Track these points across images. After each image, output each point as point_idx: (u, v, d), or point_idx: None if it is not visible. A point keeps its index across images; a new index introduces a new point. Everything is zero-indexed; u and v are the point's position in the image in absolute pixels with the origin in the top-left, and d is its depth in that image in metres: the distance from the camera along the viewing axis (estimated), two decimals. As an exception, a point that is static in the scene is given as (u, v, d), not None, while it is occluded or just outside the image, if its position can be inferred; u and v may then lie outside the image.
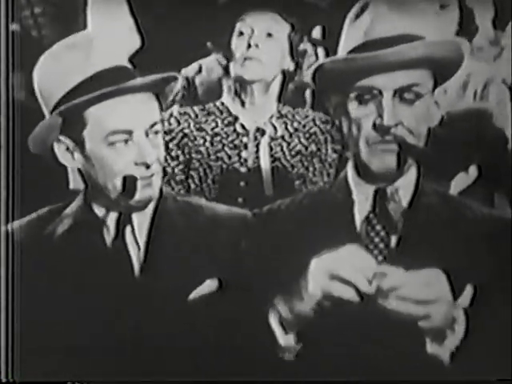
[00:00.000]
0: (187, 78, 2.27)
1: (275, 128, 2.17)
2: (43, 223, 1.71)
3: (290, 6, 2.14)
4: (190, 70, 2.33)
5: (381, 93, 1.58)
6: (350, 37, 1.65)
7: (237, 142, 2.16)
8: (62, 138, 1.66)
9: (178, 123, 2.17)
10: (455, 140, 1.95)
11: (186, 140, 2.16)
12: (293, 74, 2.21)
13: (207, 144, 2.16)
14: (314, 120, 2.19)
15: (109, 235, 1.68)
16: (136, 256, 1.67)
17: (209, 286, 1.64)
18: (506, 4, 2.29)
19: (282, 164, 2.14)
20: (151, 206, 1.69)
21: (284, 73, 2.20)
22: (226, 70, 2.19)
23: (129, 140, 1.62)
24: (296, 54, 2.18)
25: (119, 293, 1.63)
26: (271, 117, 2.19)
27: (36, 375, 1.66)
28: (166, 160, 2.05)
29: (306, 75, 2.18)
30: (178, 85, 1.71)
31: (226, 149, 2.15)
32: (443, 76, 1.66)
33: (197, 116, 2.18)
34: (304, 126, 2.18)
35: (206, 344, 1.59)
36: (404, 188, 1.64)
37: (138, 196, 1.64)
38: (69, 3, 2.17)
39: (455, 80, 2.22)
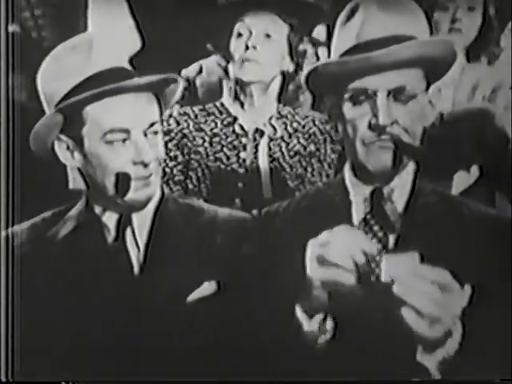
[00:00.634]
0: (188, 79, 2.28)
1: (275, 129, 2.17)
2: (46, 225, 1.72)
3: (289, 7, 2.14)
4: (190, 71, 2.34)
5: (375, 93, 1.59)
6: (342, 39, 1.65)
7: (236, 142, 2.16)
8: (62, 136, 1.67)
9: (178, 123, 2.17)
10: (457, 140, 1.95)
11: (185, 140, 2.16)
12: (293, 75, 2.21)
13: (206, 144, 2.16)
14: (313, 120, 2.19)
15: (110, 236, 1.68)
16: (136, 257, 1.68)
17: (207, 288, 1.64)
18: (505, 4, 2.29)
19: (280, 164, 2.14)
20: (152, 207, 1.70)
21: (283, 74, 2.20)
22: (226, 71, 2.19)
23: (127, 139, 1.63)
24: (295, 55, 2.18)
25: (119, 294, 1.64)
26: (271, 118, 2.19)
27: (36, 375, 1.66)
28: (164, 160, 2.05)
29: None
30: (180, 87, 1.72)
31: (225, 149, 2.15)
32: (436, 75, 1.66)
33: (196, 116, 2.19)
34: (303, 127, 2.18)
35: (206, 344, 1.59)
36: (401, 188, 1.64)
37: (136, 196, 1.65)
38: (69, 5, 2.17)
39: (464, 83, 2.24)
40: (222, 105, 2.21)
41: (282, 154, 2.15)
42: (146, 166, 1.63)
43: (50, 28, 2.20)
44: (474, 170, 1.96)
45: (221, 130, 2.17)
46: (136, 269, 1.68)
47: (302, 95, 2.29)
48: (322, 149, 2.18)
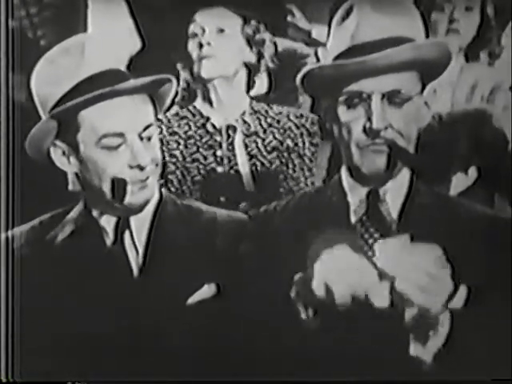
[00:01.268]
0: (187, 80, 2.28)
1: (248, 124, 2.17)
2: (45, 228, 1.72)
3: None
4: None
5: (369, 96, 1.59)
6: (337, 41, 1.65)
7: (211, 142, 2.16)
8: (57, 142, 1.67)
9: None
10: (454, 141, 1.95)
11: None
12: (256, 66, 2.21)
13: (181, 147, 2.16)
14: (287, 115, 2.19)
15: (108, 240, 1.69)
16: (135, 260, 1.68)
17: (206, 291, 1.64)
18: (505, 4, 2.29)
19: (260, 161, 2.15)
20: (151, 210, 1.70)
21: (247, 66, 2.20)
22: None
23: (122, 143, 1.63)
24: (254, 45, 2.18)
25: (118, 296, 1.64)
26: (243, 113, 2.19)
27: (36, 375, 1.67)
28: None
29: (269, 64, 2.20)
30: (174, 87, 1.72)
31: (201, 150, 2.16)
32: (431, 77, 1.66)
33: (169, 121, 2.18)
34: (278, 122, 2.18)
35: (205, 345, 1.60)
36: (398, 189, 1.65)
37: (133, 199, 1.65)
38: (65, 4, 2.17)
39: (463, 84, 2.23)
40: (195, 107, 2.21)
41: (259, 150, 2.15)
42: (142, 169, 1.63)
43: (45, 27, 2.19)
44: (472, 172, 1.96)
45: (195, 131, 2.17)
46: (135, 271, 1.68)
47: (301, 96, 2.29)
48: (299, 143, 2.17)
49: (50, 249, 1.70)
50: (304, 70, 1.64)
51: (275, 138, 2.17)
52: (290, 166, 2.17)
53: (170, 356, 1.61)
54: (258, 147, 2.16)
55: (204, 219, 1.73)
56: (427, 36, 1.69)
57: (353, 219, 1.65)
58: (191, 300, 1.64)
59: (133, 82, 1.64)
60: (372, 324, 1.49)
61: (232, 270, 1.66)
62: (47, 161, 1.69)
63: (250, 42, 2.18)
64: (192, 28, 2.16)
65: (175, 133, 2.18)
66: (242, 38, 2.18)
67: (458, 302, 1.49)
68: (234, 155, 2.15)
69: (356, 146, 1.61)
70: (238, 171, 2.15)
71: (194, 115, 2.20)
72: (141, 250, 1.68)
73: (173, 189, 2.13)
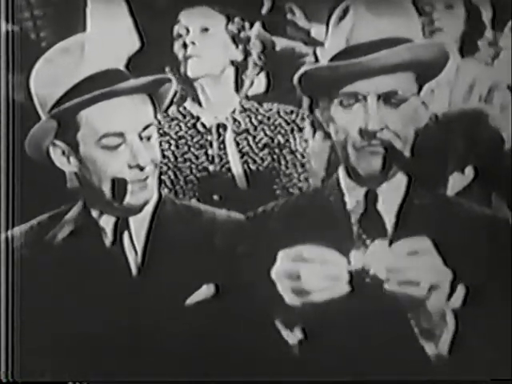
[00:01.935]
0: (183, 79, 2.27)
1: (238, 122, 2.17)
2: (44, 228, 1.72)
3: None
4: None
5: (365, 98, 1.59)
6: (333, 42, 1.66)
7: (202, 141, 2.16)
8: (56, 142, 1.67)
9: None
10: (451, 141, 1.96)
11: None
12: (243, 64, 2.21)
13: (172, 148, 2.16)
14: (278, 112, 2.19)
15: (107, 240, 1.69)
16: (133, 260, 1.68)
17: (205, 291, 1.65)
18: (504, 4, 2.29)
19: (251, 158, 2.15)
20: (150, 210, 1.70)
21: (234, 64, 2.20)
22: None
23: (122, 143, 1.63)
24: (239, 43, 2.19)
25: (117, 296, 1.64)
26: (233, 111, 2.19)
27: (36, 375, 1.67)
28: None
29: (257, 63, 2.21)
30: (173, 87, 1.72)
31: (193, 149, 2.16)
32: (427, 77, 1.66)
33: (159, 122, 2.19)
34: (268, 119, 2.18)
35: (204, 346, 1.60)
36: (395, 189, 1.65)
37: (133, 199, 1.65)
38: (68, 5, 2.17)
39: (460, 82, 2.24)
40: (185, 108, 2.22)
41: (251, 147, 2.16)
42: (141, 169, 1.64)
43: (49, 29, 2.19)
44: (469, 171, 1.96)
45: (186, 132, 2.18)
46: (134, 271, 1.68)
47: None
48: (290, 139, 2.18)
49: (49, 249, 1.70)
50: (300, 70, 1.65)
51: (266, 134, 2.18)
52: (283, 162, 2.17)
53: (169, 356, 1.61)
54: (249, 145, 2.16)
55: (203, 219, 1.74)
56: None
57: (351, 219, 1.65)
58: (190, 300, 1.64)
59: (132, 82, 1.65)
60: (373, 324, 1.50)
61: (231, 270, 1.66)
62: (47, 160, 1.69)
63: (235, 40, 2.19)
64: (177, 29, 2.17)
65: (166, 133, 2.18)
66: (226, 37, 2.18)
67: (457, 301, 1.50)
68: (226, 153, 2.15)
69: (352, 147, 1.62)
70: (229, 169, 2.15)
71: (184, 116, 2.20)
72: (140, 250, 1.69)
73: (166, 190, 2.13)
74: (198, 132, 2.18)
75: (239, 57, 2.20)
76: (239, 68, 2.22)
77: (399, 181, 1.66)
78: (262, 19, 2.26)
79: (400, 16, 1.64)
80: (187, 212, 1.74)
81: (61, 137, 1.66)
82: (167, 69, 2.19)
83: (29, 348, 1.67)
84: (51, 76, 1.65)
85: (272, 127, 2.18)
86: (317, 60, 2.28)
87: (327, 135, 1.71)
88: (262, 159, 2.16)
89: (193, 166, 2.15)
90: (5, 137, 1.85)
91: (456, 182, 1.97)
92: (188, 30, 2.16)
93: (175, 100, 2.15)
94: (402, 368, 1.52)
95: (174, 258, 1.68)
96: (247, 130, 2.17)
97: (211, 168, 2.15)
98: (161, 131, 2.17)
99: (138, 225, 1.69)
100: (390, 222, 1.64)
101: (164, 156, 2.15)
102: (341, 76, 1.60)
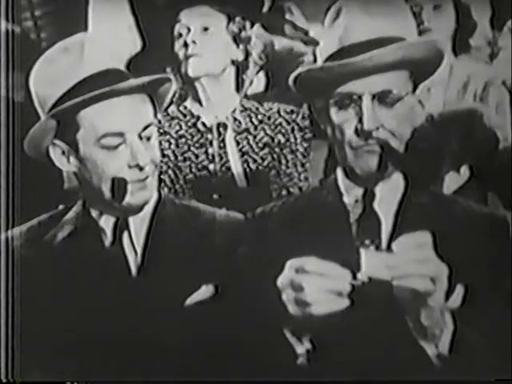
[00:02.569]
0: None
1: (239, 121, 2.18)
2: (44, 228, 1.73)
3: None
4: None
5: (360, 98, 1.60)
6: (327, 43, 1.67)
7: (202, 140, 2.17)
8: (56, 141, 1.67)
9: None
10: (446, 140, 1.96)
11: None
12: (244, 63, 2.21)
13: (173, 147, 2.16)
14: (278, 111, 2.19)
15: (107, 240, 1.69)
16: (133, 260, 1.68)
17: (205, 292, 1.65)
18: (504, 4, 2.29)
19: (251, 157, 2.15)
20: (149, 210, 1.70)
21: (235, 63, 2.21)
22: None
23: (122, 142, 1.63)
24: (240, 43, 2.19)
25: (117, 296, 1.64)
26: (234, 111, 2.20)
27: (36, 375, 1.67)
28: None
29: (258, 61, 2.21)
30: (173, 87, 1.72)
31: (193, 148, 2.16)
32: (422, 75, 1.67)
33: (160, 121, 2.19)
34: (269, 118, 2.18)
35: (204, 346, 1.60)
36: (394, 188, 1.65)
37: (132, 199, 1.65)
38: (69, 6, 2.17)
39: (455, 81, 2.23)
40: (185, 107, 2.22)
41: (251, 146, 2.16)
42: (141, 169, 1.64)
43: (49, 29, 2.19)
44: (465, 170, 1.96)
45: (186, 131, 2.18)
46: (134, 272, 1.68)
47: None
48: (291, 138, 2.18)
49: (48, 249, 1.70)
50: (295, 72, 1.66)
51: (266, 134, 2.18)
52: (283, 161, 2.17)
53: (169, 356, 1.62)
54: (249, 144, 2.16)
55: (203, 220, 1.74)
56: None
57: (349, 219, 1.65)
58: (189, 301, 1.64)
59: (132, 82, 1.65)
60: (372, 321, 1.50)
61: (231, 270, 1.66)
62: (46, 160, 1.69)
63: (236, 39, 2.19)
64: (177, 28, 2.17)
65: (166, 133, 2.18)
66: (227, 36, 2.18)
67: (456, 300, 1.50)
68: (226, 153, 2.16)
69: (349, 147, 1.62)
70: (229, 168, 2.15)
71: (184, 115, 2.20)
72: (139, 251, 1.69)
73: (166, 189, 2.13)
74: (198, 131, 2.18)
75: (240, 56, 2.21)
76: (240, 67, 2.22)
77: (397, 180, 1.66)
78: (261, 19, 2.26)
79: (393, 16, 1.64)
80: (187, 212, 1.74)
81: (60, 137, 1.66)
82: (168, 69, 2.19)
83: (29, 348, 1.67)
84: (51, 75, 1.65)
85: (272, 126, 2.18)
86: (315, 60, 2.28)
87: (324, 135, 1.71)
88: (262, 158, 2.16)
89: (192, 165, 2.16)
90: (5, 137, 1.85)
91: (452, 182, 1.97)
92: (189, 30, 2.16)
93: (175, 99, 2.15)
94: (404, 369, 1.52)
95: (173, 258, 1.68)
96: (247, 130, 2.17)
97: (211, 167, 2.15)
98: (161, 130, 2.17)
99: (138, 225, 1.69)
100: (388, 220, 1.64)
101: (164, 155, 2.15)
102: (335, 76, 1.61)
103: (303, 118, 2.17)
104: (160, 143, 2.15)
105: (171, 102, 1.87)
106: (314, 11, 2.32)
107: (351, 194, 1.66)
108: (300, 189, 2.13)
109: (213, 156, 2.15)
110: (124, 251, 1.68)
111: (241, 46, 2.19)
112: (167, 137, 2.17)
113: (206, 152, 2.16)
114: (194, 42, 2.14)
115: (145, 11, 2.18)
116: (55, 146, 1.67)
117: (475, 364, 1.50)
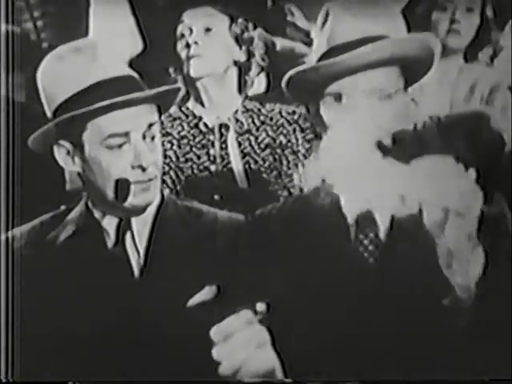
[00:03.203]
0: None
1: (241, 122, 2.18)
2: (46, 228, 1.72)
3: None
4: None
5: (348, 96, 1.60)
6: (317, 46, 1.68)
7: (204, 141, 2.17)
8: (62, 142, 1.66)
9: None
10: (453, 143, 1.96)
11: None
12: (246, 64, 2.22)
13: (175, 148, 2.17)
14: (280, 112, 2.20)
15: (110, 241, 1.69)
16: (136, 261, 1.68)
17: (207, 292, 1.64)
18: (505, 3, 2.29)
19: (253, 158, 2.15)
20: (152, 211, 1.70)
21: (237, 64, 2.21)
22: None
23: (126, 143, 1.62)
24: (243, 44, 2.19)
25: (119, 297, 1.64)
26: (236, 111, 2.20)
27: (36, 375, 1.67)
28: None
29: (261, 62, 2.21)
30: (180, 94, 1.73)
31: (194, 149, 2.17)
32: (414, 72, 1.67)
33: (162, 122, 2.19)
34: (271, 119, 2.19)
35: (205, 346, 1.60)
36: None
37: (135, 201, 1.65)
38: (68, 7, 2.17)
39: (462, 84, 2.23)
40: (187, 108, 2.22)
41: (252, 147, 2.16)
42: (144, 169, 1.63)
43: (49, 30, 2.20)
44: (471, 173, 1.96)
45: (188, 131, 2.18)
46: (136, 272, 1.68)
47: None
48: (292, 139, 2.18)
49: (50, 249, 1.70)
50: (286, 75, 1.66)
51: (268, 135, 2.18)
52: (284, 162, 2.17)
53: (171, 357, 1.61)
54: (251, 145, 2.17)
55: (205, 221, 1.74)
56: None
57: (348, 220, 1.65)
58: (192, 302, 1.64)
59: (145, 93, 1.63)
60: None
61: (233, 271, 1.66)
62: (51, 157, 1.68)
63: (238, 40, 2.19)
64: (180, 29, 2.18)
65: (168, 134, 2.19)
66: (230, 37, 2.19)
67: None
68: (227, 153, 2.16)
69: None
70: (231, 169, 2.15)
71: (186, 116, 2.21)
72: (142, 252, 1.68)
73: (168, 190, 2.13)
74: (201, 132, 2.18)
75: (242, 57, 2.21)
76: (242, 68, 2.22)
77: None
78: (263, 20, 2.26)
79: (380, 15, 1.64)
80: (189, 213, 1.74)
81: (66, 137, 1.65)
82: (171, 69, 2.19)
83: (29, 348, 1.66)
84: (61, 73, 1.64)
85: (274, 127, 2.19)
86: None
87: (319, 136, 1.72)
88: (264, 159, 2.16)
89: (194, 165, 2.16)
90: (5, 137, 1.85)
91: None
92: (191, 30, 2.16)
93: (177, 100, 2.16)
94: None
95: (176, 259, 1.67)
96: (249, 131, 2.18)
97: (213, 168, 2.16)
98: (163, 131, 2.18)
99: (141, 226, 1.69)
100: (385, 220, 1.64)
101: (166, 156, 2.15)
102: (323, 76, 1.61)
103: (305, 119, 2.18)
104: (162, 144, 2.15)
105: (181, 99, 1.89)
106: (315, 12, 2.32)
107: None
108: (301, 190, 2.13)
109: (214, 157, 2.16)
110: (126, 252, 1.68)
111: (243, 47, 2.20)
112: (169, 137, 2.18)
113: (208, 153, 2.16)
114: (196, 42, 2.15)
115: (145, 12, 2.19)
116: (60, 146, 1.67)
117: (475, 364, 1.50)
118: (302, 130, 2.18)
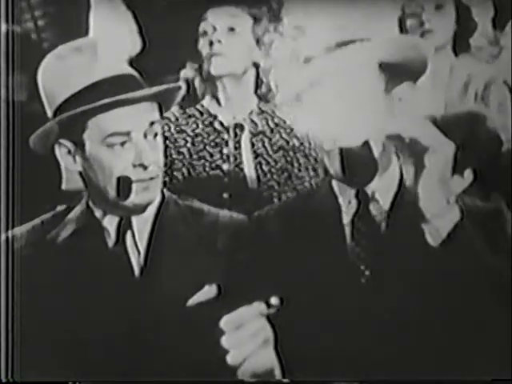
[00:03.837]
0: (187, 80, 2.28)
1: (255, 123, 2.18)
2: (46, 228, 1.72)
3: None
4: (188, 71, 2.35)
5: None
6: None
7: (218, 140, 2.17)
8: (62, 141, 1.66)
9: None
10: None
11: (166, 142, 2.18)
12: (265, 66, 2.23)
13: (188, 145, 2.18)
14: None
15: (110, 240, 1.69)
16: (136, 260, 1.68)
17: (207, 292, 1.64)
18: (505, 4, 2.29)
19: (265, 159, 2.16)
20: (153, 210, 1.70)
21: (256, 65, 2.21)
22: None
23: (127, 141, 1.62)
24: (262, 46, 2.20)
25: (119, 296, 1.64)
26: (251, 112, 2.20)
27: (36, 375, 1.67)
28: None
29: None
30: (181, 93, 1.73)
31: (208, 147, 2.17)
32: (401, 74, 1.66)
33: (177, 119, 2.20)
34: (285, 122, 2.20)
35: (205, 346, 1.60)
36: (387, 187, 1.65)
37: (136, 199, 1.64)
38: (69, 7, 2.18)
39: (456, 82, 2.23)
40: (202, 106, 2.23)
41: (266, 149, 2.17)
42: (145, 168, 1.63)
43: (50, 30, 2.20)
44: (468, 174, 1.96)
45: (202, 129, 2.19)
46: (136, 272, 1.68)
47: None
48: (305, 143, 2.19)
49: (51, 249, 1.70)
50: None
51: (282, 137, 2.19)
52: (296, 164, 2.18)
53: (171, 357, 1.61)
54: (264, 146, 2.18)
55: (206, 220, 1.74)
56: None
57: (344, 220, 1.65)
58: (192, 301, 1.64)
59: (146, 91, 1.63)
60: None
61: (234, 271, 1.66)
62: (51, 157, 1.68)
63: (259, 41, 2.20)
64: (203, 26, 2.18)
65: (183, 131, 2.20)
66: (251, 38, 2.19)
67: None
68: (240, 153, 2.16)
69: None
70: (242, 169, 2.16)
71: (201, 114, 2.22)
72: (142, 251, 1.68)
73: (177, 185, 2.14)
74: (215, 130, 2.19)
75: (261, 59, 2.22)
76: (260, 70, 2.23)
77: (391, 178, 1.66)
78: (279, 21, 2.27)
79: (356, 18, 1.65)
80: (190, 213, 1.74)
81: (67, 136, 1.65)
82: (189, 64, 2.20)
83: (29, 348, 1.67)
84: (61, 73, 1.64)
85: (288, 130, 2.20)
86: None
87: None
88: (276, 161, 2.17)
89: (206, 163, 2.17)
90: (5, 137, 1.85)
91: (456, 185, 1.97)
92: (215, 29, 2.17)
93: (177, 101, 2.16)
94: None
95: (176, 258, 1.68)
96: (263, 132, 2.18)
97: (225, 167, 2.16)
98: (177, 128, 2.19)
99: (141, 225, 1.69)
100: (382, 220, 1.63)
101: (179, 153, 2.16)
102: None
103: None
104: (176, 141, 2.17)
105: (183, 99, 1.89)
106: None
107: (345, 195, 1.66)
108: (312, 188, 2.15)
109: (227, 156, 2.16)
110: (127, 251, 1.68)
111: (263, 49, 2.20)
112: (184, 135, 2.19)
113: (221, 152, 2.17)
114: (219, 41, 2.15)
115: (145, 11, 2.19)
116: (61, 145, 1.67)
117: (475, 364, 1.50)
118: None
